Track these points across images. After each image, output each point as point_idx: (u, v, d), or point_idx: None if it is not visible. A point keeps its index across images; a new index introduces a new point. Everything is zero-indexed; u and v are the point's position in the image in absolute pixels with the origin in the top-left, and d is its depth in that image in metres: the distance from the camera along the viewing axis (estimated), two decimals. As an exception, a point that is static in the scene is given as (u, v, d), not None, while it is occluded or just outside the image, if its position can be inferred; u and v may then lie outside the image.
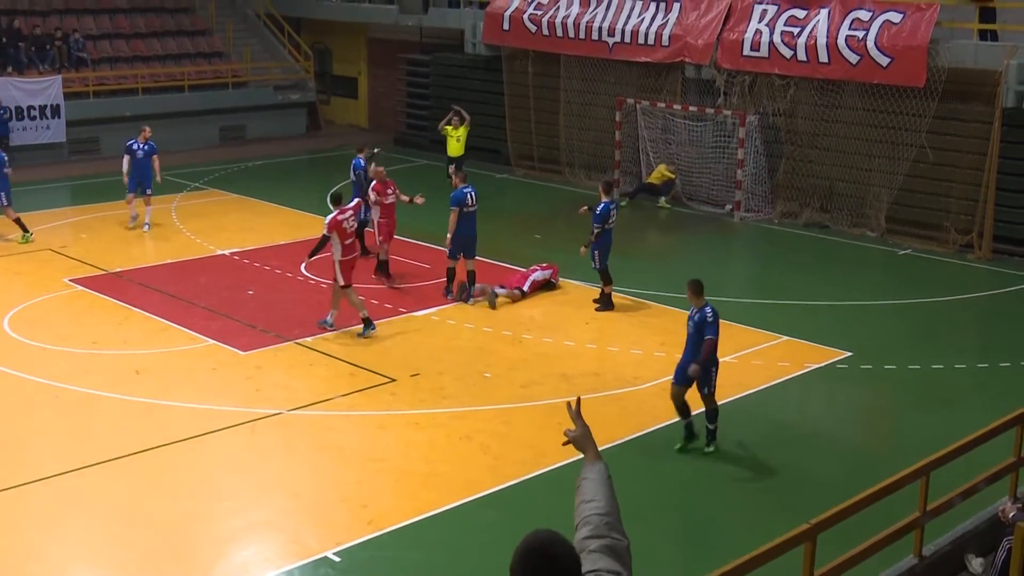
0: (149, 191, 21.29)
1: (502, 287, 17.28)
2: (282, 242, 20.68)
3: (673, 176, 24.20)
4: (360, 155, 19.84)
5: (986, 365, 15.02)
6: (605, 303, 16.92)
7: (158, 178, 21.49)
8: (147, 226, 21.26)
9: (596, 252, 16.69)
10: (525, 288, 17.35)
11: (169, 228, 21.71)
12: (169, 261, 19.36)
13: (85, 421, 12.74)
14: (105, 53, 30.76)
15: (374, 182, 17.94)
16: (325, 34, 35.66)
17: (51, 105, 28.14)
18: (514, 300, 17.16)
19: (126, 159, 21.18)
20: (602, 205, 16.67)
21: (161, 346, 15.18)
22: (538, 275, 17.71)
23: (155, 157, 21.39)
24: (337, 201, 15.97)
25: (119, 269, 18.80)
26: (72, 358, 14.66)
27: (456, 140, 23.90)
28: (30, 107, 27.84)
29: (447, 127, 23.98)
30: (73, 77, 29.10)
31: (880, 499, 7.96)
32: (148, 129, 21.76)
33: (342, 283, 15.52)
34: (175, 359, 14.71)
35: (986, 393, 14.29)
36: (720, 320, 11.95)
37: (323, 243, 15.59)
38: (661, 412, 13.10)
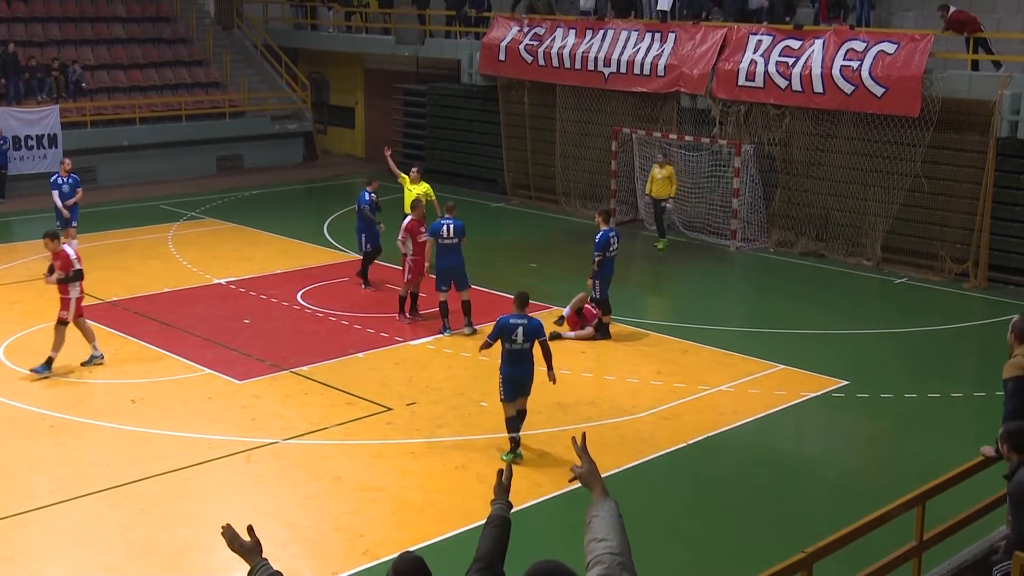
0: (75, 224, 21.09)
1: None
2: (278, 271, 20.71)
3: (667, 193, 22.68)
4: (368, 188, 19.48)
5: (983, 394, 15.01)
6: (602, 332, 16.92)
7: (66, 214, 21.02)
8: None
9: (597, 282, 16.69)
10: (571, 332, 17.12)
11: (166, 257, 21.73)
12: (165, 290, 19.36)
13: (80, 450, 12.70)
14: (103, 83, 30.89)
15: (409, 218, 17.52)
16: (322, 64, 35.84)
17: (48, 135, 28.23)
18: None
19: (55, 194, 20.88)
20: (601, 233, 16.70)
21: (157, 375, 15.16)
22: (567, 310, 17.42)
23: (80, 190, 21.18)
24: (57, 236, 15.55)
25: (115, 298, 18.80)
26: (67, 387, 14.64)
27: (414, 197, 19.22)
28: (27, 136, 27.94)
29: (404, 176, 19.93)
30: (71, 107, 29.21)
31: (876, 528, 7.94)
32: (68, 161, 21.79)
33: (70, 319, 15.13)
34: (171, 388, 14.69)
35: (983, 422, 14.24)
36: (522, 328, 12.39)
37: (78, 276, 15.18)
38: (660, 441, 13.11)
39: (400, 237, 17.48)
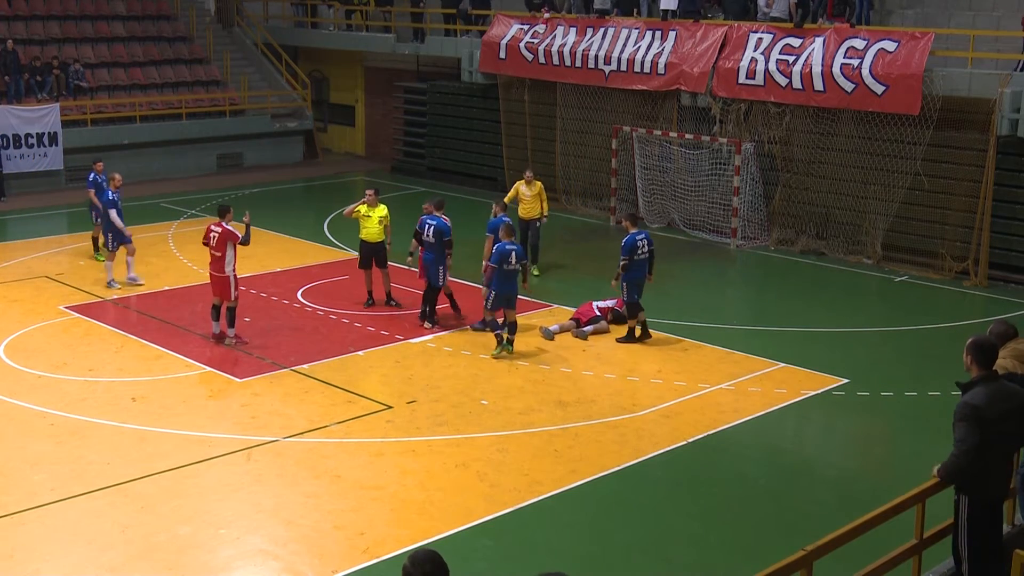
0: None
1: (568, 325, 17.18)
2: (278, 269, 20.70)
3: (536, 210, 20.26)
4: (435, 211, 17.51)
5: (983, 392, 15.00)
6: (643, 334, 16.74)
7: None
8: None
9: (624, 284, 16.62)
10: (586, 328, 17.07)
11: (166, 255, 21.72)
12: (166, 288, 19.35)
13: (80, 449, 12.70)
14: (103, 81, 30.88)
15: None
16: (322, 62, 35.83)
17: (48, 133, 28.22)
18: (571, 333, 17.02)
19: (114, 212, 19.20)
20: (628, 237, 16.60)
21: (157, 373, 15.16)
22: (599, 304, 17.44)
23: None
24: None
25: (115, 296, 18.80)
26: (68, 386, 14.63)
27: (378, 222, 17.89)
28: (28, 135, 27.93)
29: (360, 207, 17.95)
30: (71, 105, 29.21)
31: (876, 526, 7.94)
32: (118, 176, 19.89)
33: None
34: (171, 386, 14.69)
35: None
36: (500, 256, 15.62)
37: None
38: (660, 439, 13.11)
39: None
